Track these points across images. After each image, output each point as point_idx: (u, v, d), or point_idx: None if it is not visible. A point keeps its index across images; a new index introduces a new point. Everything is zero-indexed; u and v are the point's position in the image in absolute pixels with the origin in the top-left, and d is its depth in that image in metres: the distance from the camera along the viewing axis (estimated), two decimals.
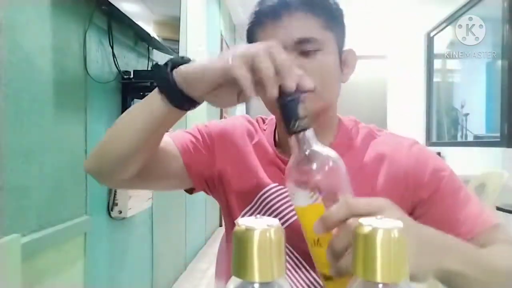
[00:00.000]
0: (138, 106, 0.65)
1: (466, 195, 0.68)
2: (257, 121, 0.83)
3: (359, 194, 0.67)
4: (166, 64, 0.57)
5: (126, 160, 0.65)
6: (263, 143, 0.77)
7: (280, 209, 0.71)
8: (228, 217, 0.78)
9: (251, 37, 0.73)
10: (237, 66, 0.49)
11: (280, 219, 0.70)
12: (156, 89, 0.58)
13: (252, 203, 0.74)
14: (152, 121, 0.61)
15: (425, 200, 0.67)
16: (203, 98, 0.57)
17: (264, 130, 0.80)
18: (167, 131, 0.67)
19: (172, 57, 0.59)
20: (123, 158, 0.65)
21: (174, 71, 0.56)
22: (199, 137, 0.77)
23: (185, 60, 0.58)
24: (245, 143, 0.78)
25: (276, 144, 0.77)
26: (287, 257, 0.72)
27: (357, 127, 0.76)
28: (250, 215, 0.73)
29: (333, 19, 0.69)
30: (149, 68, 2.02)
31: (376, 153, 0.71)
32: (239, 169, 0.75)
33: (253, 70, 0.49)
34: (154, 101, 0.59)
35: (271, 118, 0.82)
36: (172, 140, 0.75)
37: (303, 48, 0.66)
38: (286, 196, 0.71)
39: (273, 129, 0.79)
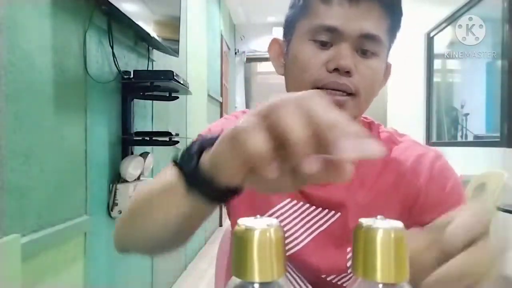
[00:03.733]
0: (158, 195, 0.49)
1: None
2: None
3: (376, 207, 0.63)
4: (192, 150, 0.41)
5: (162, 246, 0.55)
6: None
7: (292, 230, 0.67)
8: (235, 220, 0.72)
9: (303, 7, 0.62)
10: (248, 131, 0.31)
11: (291, 241, 0.67)
12: (181, 180, 0.41)
13: (268, 214, 0.68)
14: (180, 220, 0.45)
15: (426, 222, 0.62)
16: (243, 186, 0.38)
17: None
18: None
19: (196, 140, 0.42)
20: (156, 246, 0.55)
21: (202, 156, 0.40)
22: None
23: (212, 139, 0.39)
24: None
25: None
26: (296, 285, 0.68)
27: (377, 131, 0.70)
28: None
29: (397, 25, 0.63)
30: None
31: (397, 161, 0.66)
32: None
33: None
34: (178, 194, 0.42)
35: None
36: None
37: (364, 46, 0.59)
38: (299, 215, 0.67)
39: None
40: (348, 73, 0.58)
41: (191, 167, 0.40)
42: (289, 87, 0.66)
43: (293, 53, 0.63)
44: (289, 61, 0.65)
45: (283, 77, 0.69)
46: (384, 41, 0.61)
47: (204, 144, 0.40)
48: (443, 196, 0.62)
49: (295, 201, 0.67)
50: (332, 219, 0.66)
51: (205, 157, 0.39)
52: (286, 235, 0.67)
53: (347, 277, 0.65)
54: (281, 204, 0.67)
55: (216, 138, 0.37)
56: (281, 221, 0.67)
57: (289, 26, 0.66)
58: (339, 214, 0.66)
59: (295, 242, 0.67)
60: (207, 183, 0.38)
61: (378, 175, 0.66)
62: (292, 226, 0.67)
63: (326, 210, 0.66)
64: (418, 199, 0.63)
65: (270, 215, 0.67)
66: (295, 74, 0.63)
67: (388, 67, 0.67)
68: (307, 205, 0.67)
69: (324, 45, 0.60)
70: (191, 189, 0.40)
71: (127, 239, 0.58)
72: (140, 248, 0.58)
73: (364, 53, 0.60)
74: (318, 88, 0.60)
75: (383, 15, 0.60)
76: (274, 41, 0.69)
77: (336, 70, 0.58)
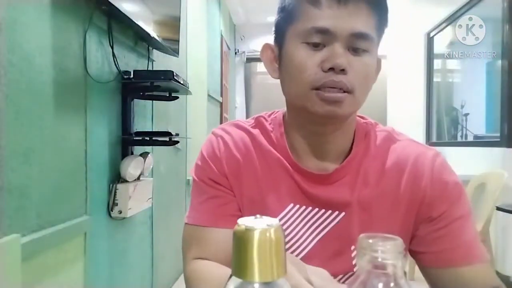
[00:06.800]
0: None
1: (467, 222, 0.65)
2: (258, 123, 0.74)
3: (379, 206, 0.66)
4: None
5: None
6: (273, 156, 0.69)
7: (298, 235, 0.67)
8: None
9: (293, 11, 0.63)
10: None
11: (298, 246, 0.67)
12: None
13: None
14: None
15: (434, 219, 0.64)
16: None
17: (271, 131, 0.72)
18: None
19: None
20: None
21: None
22: (220, 193, 0.70)
23: None
24: (253, 165, 0.70)
25: (289, 144, 0.70)
26: None
27: (374, 130, 0.71)
28: None
29: (384, 22, 0.64)
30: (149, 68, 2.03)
31: (397, 160, 0.67)
32: (251, 196, 0.69)
33: None
34: None
35: (274, 116, 0.74)
36: (216, 230, 0.68)
37: (355, 44, 0.60)
38: (303, 219, 0.67)
39: (283, 130, 0.71)
40: (343, 71, 0.60)
41: None
42: (287, 90, 0.67)
43: (288, 57, 0.64)
44: (284, 65, 0.66)
45: None
46: (373, 37, 0.62)
47: None
48: (445, 193, 0.65)
49: (298, 206, 0.68)
50: (337, 219, 0.67)
51: None
52: (293, 240, 0.68)
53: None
54: (285, 211, 0.68)
55: None
56: (287, 227, 0.68)
57: (280, 31, 0.67)
58: (343, 213, 0.66)
59: (302, 246, 0.67)
60: None
61: (381, 174, 0.67)
62: (298, 231, 0.67)
63: (330, 211, 0.67)
64: (424, 198, 0.65)
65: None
66: (292, 77, 0.64)
67: (378, 62, 0.68)
68: (310, 207, 0.68)
69: (316, 46, 0.61)
70: None
71: None
72: None
73: (355, 51, 0.61)
74: (316, 88, 0.61)
75: (371, 13, 0.61)
76: (266, 46, 0.71)
77: (331, 69, 0.60)
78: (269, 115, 0.75)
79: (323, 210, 0.67)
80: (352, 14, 0.60)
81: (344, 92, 0.61)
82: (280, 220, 0.67)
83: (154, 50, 2.06)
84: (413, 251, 0.67)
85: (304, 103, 0.63)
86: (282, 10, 0.66)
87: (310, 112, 0.63)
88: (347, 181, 0.67)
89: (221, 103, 4.58)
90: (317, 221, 0.67)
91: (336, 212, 0.67)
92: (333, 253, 0.66)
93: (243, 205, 0.70)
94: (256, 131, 0.72)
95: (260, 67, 6.38)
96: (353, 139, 0.69)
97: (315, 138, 0.68)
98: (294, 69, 0.63)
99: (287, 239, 0.68)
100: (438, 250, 0.63)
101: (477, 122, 3.63)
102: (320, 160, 0.68)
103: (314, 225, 0.67)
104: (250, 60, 6.23)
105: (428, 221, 0.65)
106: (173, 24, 2.14)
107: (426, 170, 0.66)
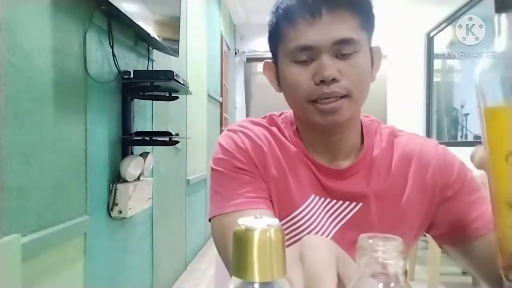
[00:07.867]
0: None
1: (483, 196, 0.67)
2: (272, 120, 0.76)
3: (391, 196, 0.68)
4: None
5: None
6: (292, 149, 0.71)
7: (320, 224, 0.69)
8: None
9: (277, 34, 0.66)
10: None
11: (322, 234, 0.68)
12: None
13: (292, 215, 0.69)
14: None
15: (449, 197, 0.67)
16: None
17: (284, 129, 0.74)
18: None
19: None
20: None
21: None
22: (252, 179, 0.69)
23: None
24: (277, 157, 0.71)
25: (302, 140, 0.72)
26: None
27: (379, 127, 0.75)
28: (290, 226, 0.69)
29: (369, 17, 0.65)
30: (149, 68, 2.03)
31: (403, 152, 0.71)
32: (277, 186, 0.70)
33: None
34: None
35: (285, 115, 0.77)
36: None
37: (342, 50, 0.61)
38: (323, 209, 0.69)
39: (295, 128, 0.73)
40: (334, 80, 0.61)
41: None
42: (289, 103, 0.71)
43: (283, 75, 0.68)
44: (281, 82, 0.70)
45: None
46: (359, 38, 0.63)
47: None
48: (454, 173, 0.68)
49: (318, 197, 0.70)
50: (355, 210, 0.69)
51: None
52: (315, 230, 0.69)
53: None
54: (308, 202, 0.70)
55: None
56: (309, 217, 0.69)
57: (272, 50, 0.71)
58: (360, 204, 0.69)
59: (323, 235, 0.69)
60: None
61: (390, 165, 0.70)
62: (319, 220, 0.69)
63: (348, 202, 0.70)
64: (436, 184, 0.68)
65: (298, 214, 0.69)
66: (290, 94, 0.68)
67: (375, 51, 0.68)
68: (329, 199, 0.70)
69: (305, 61, 0.63)
70: None
71: None
72: None
73: (344, 55, 0.62)
74: (312, 101, 0.64)
75: (350, 15, 0.62)
76: (266, 64, 0.74)
77: (322, 81, 0.62)
78: (280, 115, 0.78)
79: (341, 202, 0.70)
80: (330, 23, 0.61)
81: (341, 98, 0.62)
82: (303, 210, 0.69)
83: (154, 50, 2.06)
84: (439, 237, 0.70)
85: (306, 114, 0.66)
86: (268, 30, 0.69)
87: (313, 122, 0.66)
88: (362, 175, 0.70)
89: (221, 103, 4.58)
90: (336, 211, 0.70)
91: (354, 203, 0.69)
92: (352, 242, 0.67)
93: (271, 195, 0.70)
94: (273, 128, 0.74)
95: (260, 67, 6.37)
96: (362, 135, 0.72)
97: (325, 138, 0.70)
98: (289, 87, 0.67)
99: (309, 229, 0.69)
100: (463, 224, 0.64)
101: (477, 122, 3.63)
102: (333, 157, 0.71)
103: (334, 215, 0.70)
104: (250, 60, 6.23)
105: (445, 200, 0.67)
106: (173, 24, 2.14)
107: (432, 159, 0.69)
